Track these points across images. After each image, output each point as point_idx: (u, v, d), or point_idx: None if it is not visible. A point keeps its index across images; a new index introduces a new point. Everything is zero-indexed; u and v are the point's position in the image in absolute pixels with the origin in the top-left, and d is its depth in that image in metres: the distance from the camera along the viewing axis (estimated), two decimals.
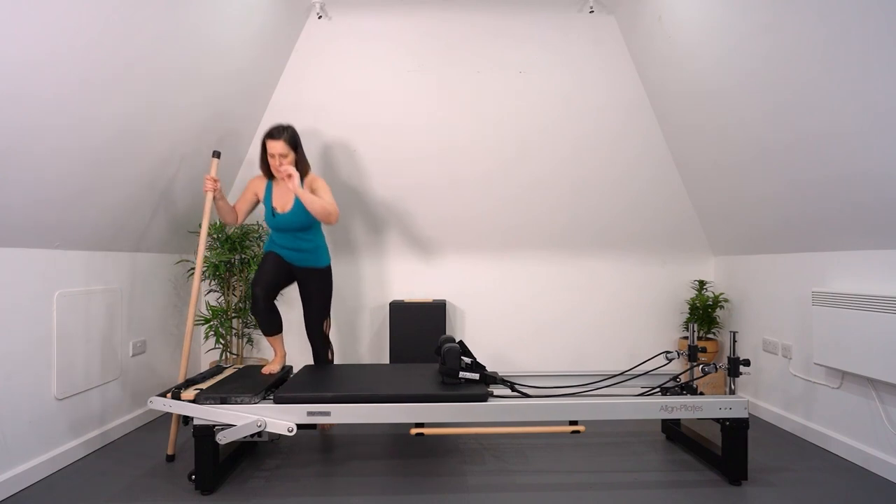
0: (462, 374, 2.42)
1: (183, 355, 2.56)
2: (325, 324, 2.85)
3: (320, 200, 2.55)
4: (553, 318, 3.81)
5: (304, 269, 2.77)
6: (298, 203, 2.67)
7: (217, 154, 2.75)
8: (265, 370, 2.64)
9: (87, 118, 2.15)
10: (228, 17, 2.68)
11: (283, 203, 2.70)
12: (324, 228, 3.68)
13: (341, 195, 3.61)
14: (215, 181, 2.65)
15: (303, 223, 2.69)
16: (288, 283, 2.79)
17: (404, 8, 3.25)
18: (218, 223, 3.35)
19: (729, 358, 2.43)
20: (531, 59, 3.37)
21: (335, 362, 2.83)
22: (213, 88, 2.84)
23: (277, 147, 2.60)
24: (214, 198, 2.68)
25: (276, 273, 2.69)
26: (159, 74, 2.41)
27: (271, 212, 2.70)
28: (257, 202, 2.78)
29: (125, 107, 2.32)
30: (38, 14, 1.75)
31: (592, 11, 3.30)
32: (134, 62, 2.23)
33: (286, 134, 2.63)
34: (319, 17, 3.27)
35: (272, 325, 2.68)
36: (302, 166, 2.71)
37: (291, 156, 2.65)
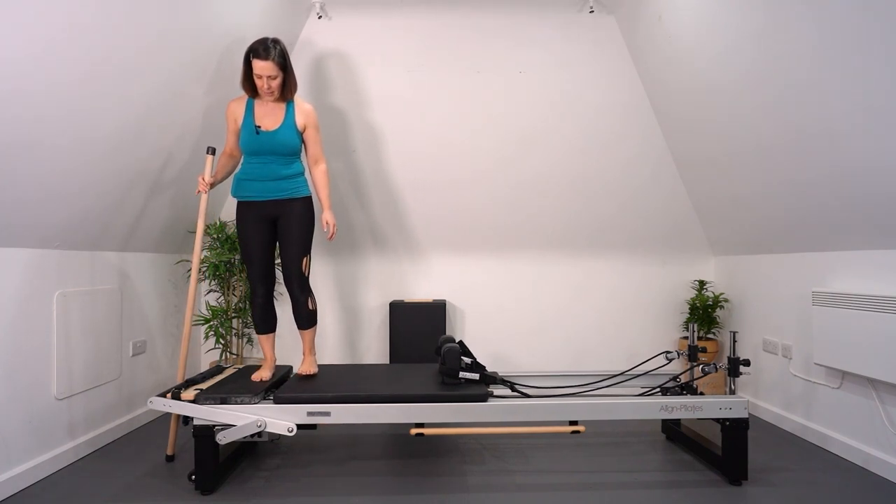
0: (462, 375, 2.42)
1: (181, 357, 2.54)
2: (304, 262, 2.53)
3: (325, 189, 2.60)
4: (553, 317, 3.81)
5: (284, 201, 2.51)
6: (290, 121, 2.47)
7: (211, 150, 2.61)
8: (255, 377, 2.49)
9: (87, 117, 2.15)
10: (228, 16, 2.68)
11: (269, 121, 2.47)
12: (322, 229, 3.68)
13: (340, 194, 3.61)
14: (207, 183, 2.52)
15: (289, 146, 2.47)
16: (275, 245, 2.60)
17: (404, 8, 3.25)
18: (218, 223, 3.35)
19: (729, 358, 2.43)
20: (531, 58, 3.37)
21: (316, 306, 2.60)
22: (213, 88, 2.84)
23: (266, 68, 2.36)
24: (212, 184, 2.55)
25: (268, 253, 2.54)
26: (158, 74, 2.41)
27: (253, 130, 2.43)
28: None
29: (125, 106, 2.32)
30: (38, 10, 1.75)
31: (592, 11, 3.30)
32: (133, 61, 2.24)
33: (275, 53, 2.37)
34: (319, 17, 3.27)
35: (267, 322, 2.58)
36: (290, 88, 2.49)
37: (280, 77, 2.42)
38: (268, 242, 2.55)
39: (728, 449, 2.27)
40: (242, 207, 2.53)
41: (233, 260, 3.31)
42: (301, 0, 3.16)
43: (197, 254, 2.60)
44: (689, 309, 3.62)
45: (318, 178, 2.63)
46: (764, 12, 2.28)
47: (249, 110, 2.50)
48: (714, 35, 2.64)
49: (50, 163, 2.10)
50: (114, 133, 2.33)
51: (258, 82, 2.42)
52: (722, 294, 3.61)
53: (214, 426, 2.19)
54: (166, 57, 2.40)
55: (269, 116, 2.49)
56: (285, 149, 2.48)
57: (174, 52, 2.43)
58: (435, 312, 3.48)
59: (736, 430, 2.26)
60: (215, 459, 2.20)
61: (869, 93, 2.01)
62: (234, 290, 3.40)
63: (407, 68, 3.35)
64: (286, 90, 2.50)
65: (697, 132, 3.16)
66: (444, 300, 3.66)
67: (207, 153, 2.61)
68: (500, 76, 3.38)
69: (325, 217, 2.58)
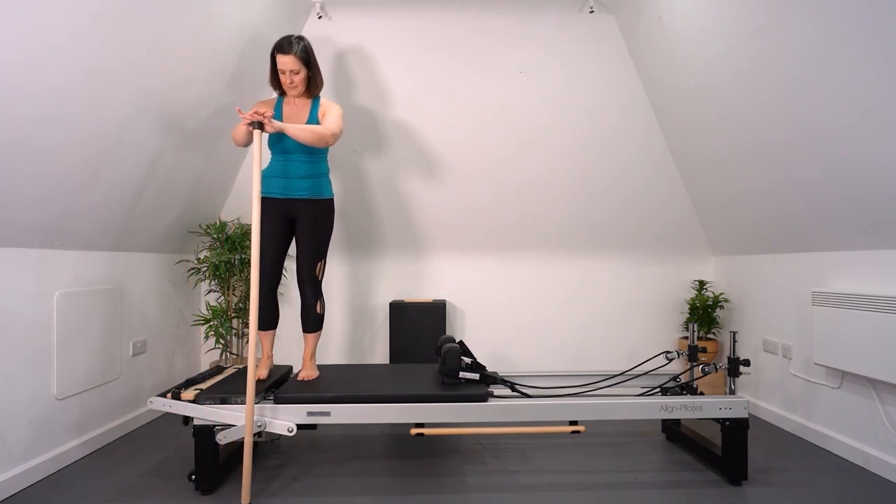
0: (462, 375, 2.42)
1: None
2: (318, 266, 2.55)
3: (307, 127, 2.32)
4: (554, 317, 3.81)
5: (305, 200, 2.53)
6: (315, 118, 2.53)
7: (258, 125, 2.24)
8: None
9: (87, 116, 2.15)
10: (228, 16, 2.68)
11: (295, 119, 2.54)
12: None
13: (339, 193, 3.61)
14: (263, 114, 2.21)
15: None
16: (289, 244, 2.58)
17: (404, 8, 3.25)
18: (217, 223, 3.35)
19: (729, 358, 2.43)
20: (531, 58, 3.37)
21: (324, 310, 2.57)
22: (212, 88, 2.84)
23: (288, 62, 2.43)
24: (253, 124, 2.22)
25: (281, 251, 2.53)
26: (157, 74, 2.41)
27: None
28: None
29: (123, 106, 2.32)
30: (38, 9, 1.75)
31: (592, 11, 3.30)
32: (132, 62, 2.24)
33: (298, 47, 2.44)
34: (319, 17, 3.27)
35: (269, 319, 2.57)
36: (315, 84, 2.55)
37: (304, 72, 2.48)
38: (282, 241, 2.55)
39: (728, 449, 2.27)
40: (265, 203, 2.54)
41: (233, 260, 3.31)
42: (301, 0, 3.16)
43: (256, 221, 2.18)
44: (689, 309, 3.62)
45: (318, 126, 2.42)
46: (763, 12, 2.28)
47: (278, 109, 2.56)
48: (714, 35, 2.64)
49: (50, 163, 2.10)
50: (114, 133, 2.33)
51: (282, 77, 2.49)
52: (722, 294, 3.61)
53: (214, 426, 2.19)
54: (163, 58, 2.40)
55: (295, 115, 2.55)
56: (307, 146, 2.47)
57: (171, 54, 2.43)
58: (435, 312, 3.48)
59: (736, 430, 2.26)
60: (215, 459, 2.20)
61: (869, 93, 2.01)
62: (234, 290, 3.40)
63: (407, 68, 3.35)
64: (311, 86, 2.56)
65: (697, 132, 3.16)
66: (444, 300, 3.66)
67: (254, 128, 2.24)
68: (500, 76, 3.38)
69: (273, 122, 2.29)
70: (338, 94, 3.39)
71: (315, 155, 2.55)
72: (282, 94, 2.59)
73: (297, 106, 2.56)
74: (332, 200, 2.61)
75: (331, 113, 2.52)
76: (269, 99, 2.62)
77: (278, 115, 2.55)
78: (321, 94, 2.62)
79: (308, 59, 2.49)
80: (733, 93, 2.70)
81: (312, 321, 2.58)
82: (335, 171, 3.55)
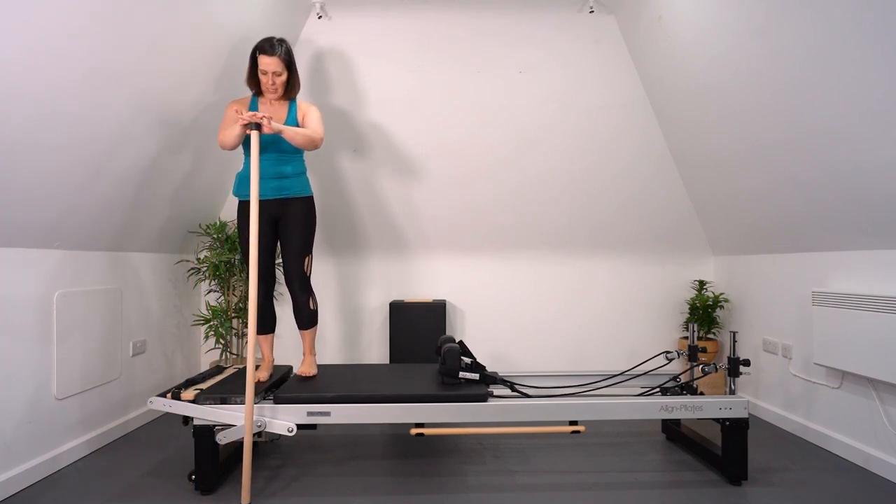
0: (462, 375, 2.42)
1: None
2: (305, 261, 2.55)
3: (302, 131, 2.37)
4: (553, 317, 3.81)
5: (286, 200, 2.51)
6: (293, 120, 2.52)
7: (255, 126, 2.24)
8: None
9: (87, 116, 2.15)
10: (227, 16, 2.67)
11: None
12: (321, 228, 3.68)
13: (341, 193, 3.61)
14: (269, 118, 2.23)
15: (291, 144, 2.43)
16: (276, 244, 2.60)
17: (404, 8, 3.25)
18: (218, 223, 3.35)
19: (729, 358, 2.43)
20: (531, 58, 3.37)
21: (317, 305, 2.58)
22: (211, 88, 2.84)
23: (272, 64, 2.41)
24: (247, 125, 2.24)
25: (269, 252, 2.53)
26: (157, 74, 2.41)
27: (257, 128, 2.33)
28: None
29: (123, 106, 2.32)
30: (38, 10, 1.75)
31: (592, 11, 3.30)
32: (132, 62, 2.24)
33: (281, 50, 2.43)
34: (319, 17, 3.27)
35: (266, 322, 2.58)
36: (294, 87, 2.55)
37: (285, 75, 2.48)
38: (269, 242, 2.55)
39: (728, 449, 2.27)
40: (244, 207, 2.54)
41: (233, 260, 3.31)
42: (301, 0, 3.16)
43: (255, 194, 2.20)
44: (689, 309, 3.62)
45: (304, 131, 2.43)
46: (763, 12, 2.28)
47: (253, 109, 2.53)
48: (714, 35, 2.64)
49: (50, 163, 2.10)
50: (114, 133, 2.33)
51: (263, 79, 2.47)
52: (722, 294, 3.61)
53: (214, 426, 2.19)
54: (163, 58, 2.40)
55: (273, 115, 2.53)
56: (287, 146, 2.49)
57: (171, 53, 2.43)
58: (435, 312, 3.48)
59: (736, 430, 2.26)
60: (215, 459, 2.20)
61: (869, 93, 2.01)
62: (234, 290, 3.40)
63: (407, 68, 3.35)
64: (290, 89, 2.54)
65: (697, 132, 3.16)
66: (444, 300, 3.66)
67: (251, 129, 2.24)
68: (500, 76, 3.38)
69: (271, 122, 2.27)
70: (337, 93, 3.39)
71: (298, 154, 2.56)
72: (256, 94, 2.57)
73: (273, 107, 2.55)
74: (312, 198, 2.61)
75: (313, 116, 2.53)
76: (242, 98, 2.60)
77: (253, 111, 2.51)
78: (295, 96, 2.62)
79: (290, 62, 2.50)
80: (733, 93, 2.70)
81: (306, 318, 2.58)
82: (336, 170, 3.55)
